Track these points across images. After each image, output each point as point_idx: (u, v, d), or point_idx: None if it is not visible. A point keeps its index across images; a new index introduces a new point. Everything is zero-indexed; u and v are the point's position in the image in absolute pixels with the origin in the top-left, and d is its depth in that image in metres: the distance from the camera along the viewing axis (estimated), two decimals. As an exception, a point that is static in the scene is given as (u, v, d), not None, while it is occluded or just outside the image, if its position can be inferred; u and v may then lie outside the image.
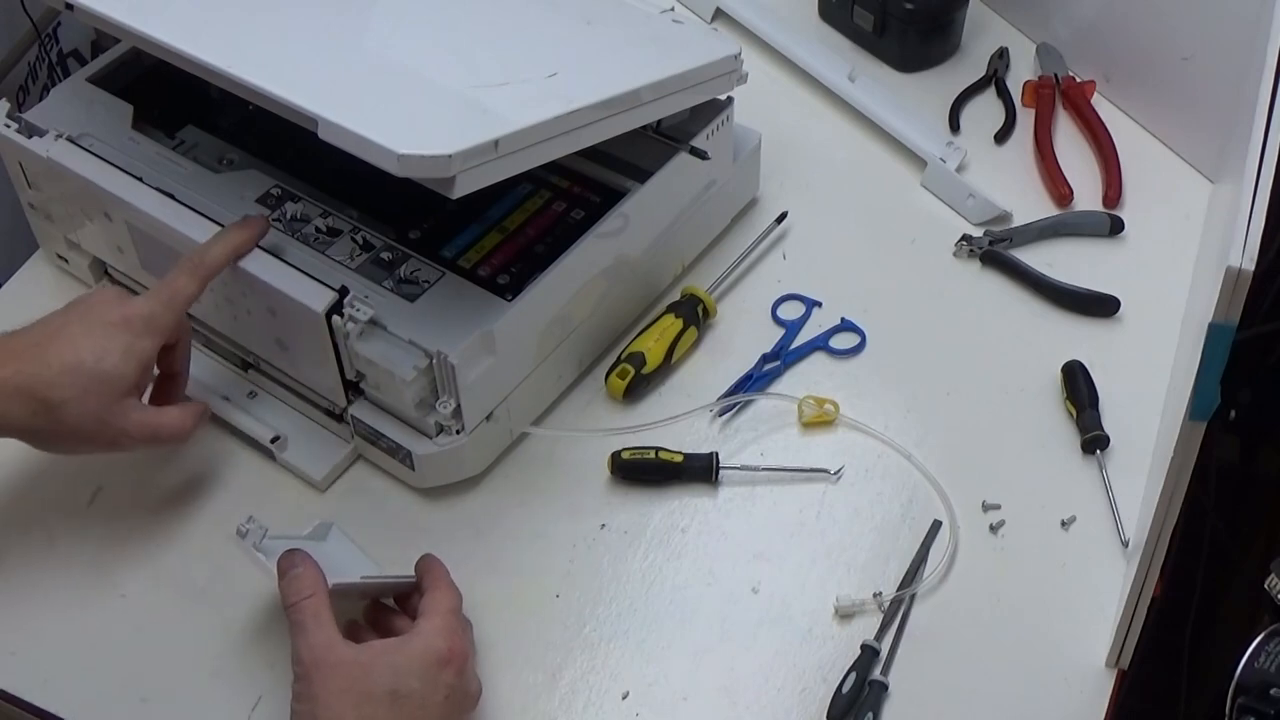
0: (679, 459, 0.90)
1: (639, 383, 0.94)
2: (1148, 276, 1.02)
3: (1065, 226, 1.05)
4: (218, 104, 0.99)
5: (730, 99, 0.97)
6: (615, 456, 0.90)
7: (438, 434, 0.86)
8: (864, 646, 0.82)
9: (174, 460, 0.92)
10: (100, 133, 0.95)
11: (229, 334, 0.92)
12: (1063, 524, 0.88)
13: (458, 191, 0.74)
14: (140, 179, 0.91)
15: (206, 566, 0.86)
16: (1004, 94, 1.17)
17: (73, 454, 0.82)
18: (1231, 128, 0.93)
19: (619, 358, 0.95)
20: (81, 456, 0.90)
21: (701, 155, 0.96)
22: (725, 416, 0.94)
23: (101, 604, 0.85)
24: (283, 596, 0.74)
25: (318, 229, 0.91)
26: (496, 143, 0.75)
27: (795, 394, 0.94)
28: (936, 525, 0.88)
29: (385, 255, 0.89)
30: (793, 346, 0.98)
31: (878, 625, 0.83)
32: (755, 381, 0.96)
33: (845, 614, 0.84)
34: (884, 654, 0.82)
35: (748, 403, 0.95)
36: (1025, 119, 1.14)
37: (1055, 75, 1.16)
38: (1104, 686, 0.80)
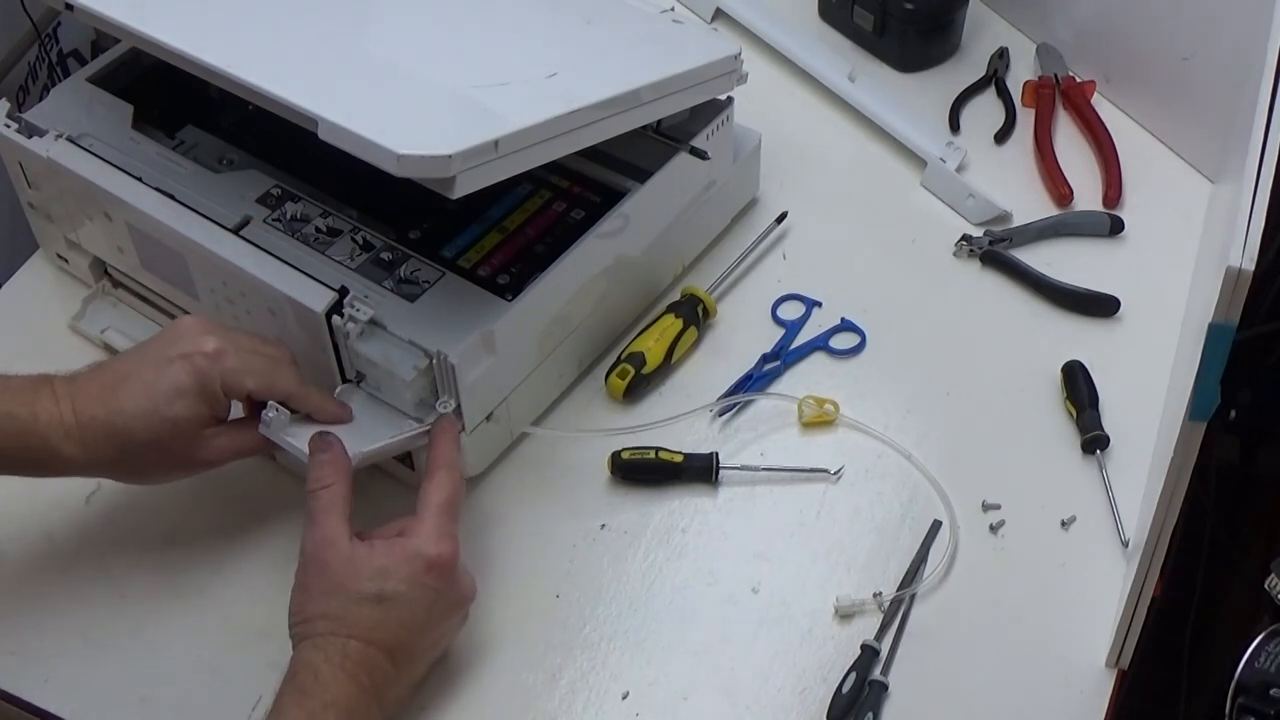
0: (679, 459, 0.90)
1: (639, 383, 0.94)
2: (1148, 276, 1.02)
3: (1065, 226, 1.05)
4: (218, 104, 0.99)
5: (730, 99, 0.97)
6: (615, 456, 0.90)
7: (438, 434, 0.86)
8: (864, 646, 0.82)
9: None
10: (100, 133, 0.95)
11: (229, 334, 0.92)
12: (1063, 524, 0.88)
13: (458, 191, 0.74)
14: (140, 179, 0.90)
15: (207, 566, 0.86)
16: (1004, 94, 1.17)
17: (163, 483, 0.83)
18: (1231, 128, 0.93)
19: (619, 358, 0.95)
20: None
21: (701, 155, 0.96)
22: (725, 416, 0.94)
23: (101, 604, 0.85)
24: (307, 479, 0.77)
25: (318, 229, 0.91)
26: (496, 143, 0.75)
27: (795, 394, 0.94)
28: (936, 525, 0.88)
29: (385, 255, 0.89)
30: (793, 346, 0.98)
31: (878, 625, 0.83)
32: (755, 381, 0.96)
33: (845, 614, 0.84)
34: (884, 654, 0.82)
35: (748, 403, 0.95)
36: (1025, 119, 1.14)
37: (1055, 75, 1.16)
38: (1104, 686, 0.80)
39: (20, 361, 0.81)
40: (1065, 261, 1.03)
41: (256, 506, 0.89)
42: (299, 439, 0.79)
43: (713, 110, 0.97)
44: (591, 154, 0.93)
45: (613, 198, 0.92)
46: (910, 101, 1.15)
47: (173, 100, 0.99)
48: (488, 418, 0.87)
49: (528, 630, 0.83)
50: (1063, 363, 0.95)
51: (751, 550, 0.87)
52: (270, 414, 0.79)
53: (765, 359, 0.97)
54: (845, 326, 0.99)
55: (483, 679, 0.81)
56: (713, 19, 1.24)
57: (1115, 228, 1.05)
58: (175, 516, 0.89)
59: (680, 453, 0.90)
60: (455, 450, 0.81)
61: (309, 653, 0.72)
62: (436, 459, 0.80)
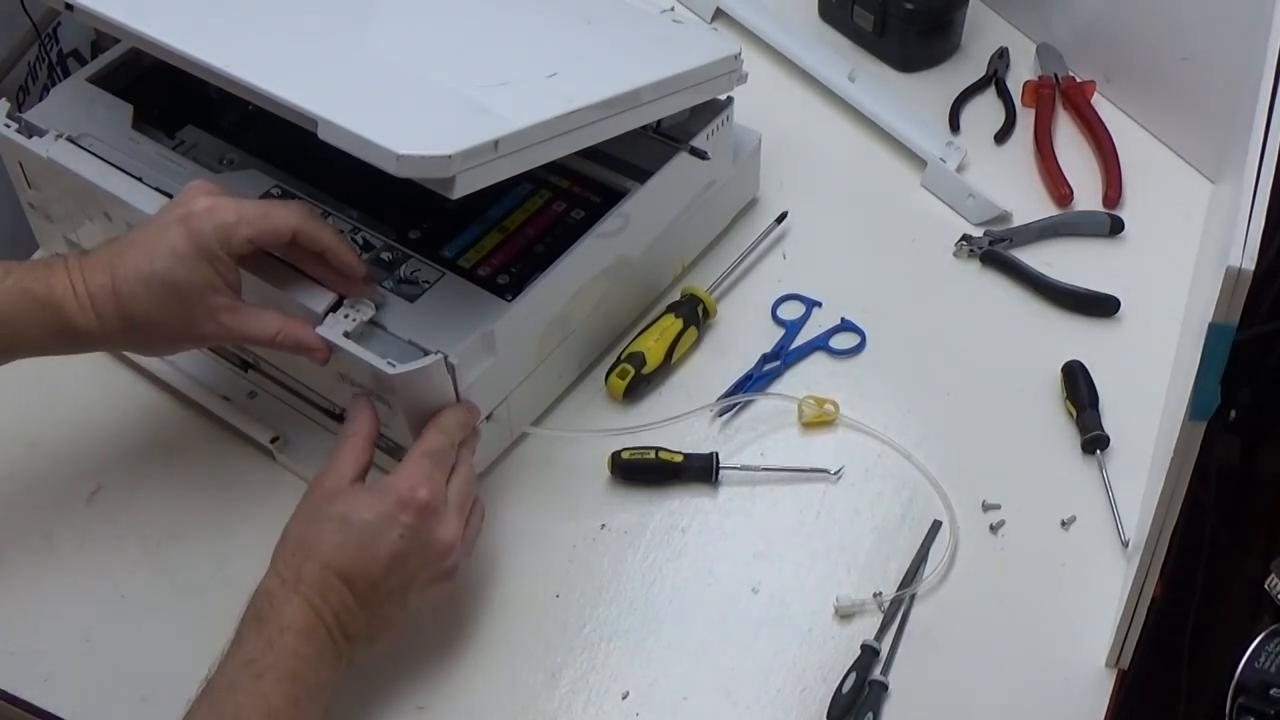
0: (679, 459, 0.90)
1: (639, 383, 0.94)
2: (1148, 276, 1.02)
3: (1065, 226, 1.05)
4: (218, 104, 0.99)
5: (730, 99, 0.97)
6: (615, 456, 0.90)
7: (438, 434, 0.86)
8: (864, 646, 0.82)
9: (174, 460, 0.92)
10: (100, 133, 0.95)
11: (229, 334, 0.92)
12: (1063, 524, 0.88)
13: (458, 192, 0.74)
14: (140, 179, 0.90)
15: (206, 566, 0.86)
16: (1004, 94, 1.17)
17: (172, 354, 0.87)
18: (1231, 128, 0.93)
19: (619, 358, 0.95)
20: (81, 454, 0.91)
21: (701, 155, 0.96)
22: (725, 416, 0.94)
23: (101, 604, 0.85)
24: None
25: (318, 229, 0.91)
26: (496, 143, 0.75)
27: (795, 394, 0.94)
28: (936, 525, 0.88)
29: (385, 255, 0.89)
30: (793, 346, 0.98)
31: (878, 625, 0.83)
32: (755, 381, 0.96)
33: (845, 614, 0.84)
34: (884, 654, 0.82)
35: (748, 403, 0.95)
36: (1025, 119, 1.14)
37: (1055, 75, 1.16)
38: (1104, 686, 0.80)
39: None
40: (1065, 261, 1.03)
41: (256, 506, 0.89)
42: (367, 344, 0.80)
43: (713, 110, 0.97)
44: (591, 154, 0.93)
45: (613, 198, 0.92)
46: (910, 101, 1.15)
47: (173, 100, 0.99)
48: (488, 418, 0.87)
49: (528, 630, 0.83)
50: (1063, 363, 0.95)
51: (751, 550, 0.87)
52: (352, 311, 0.81)
53: (765, 359, 0.97)
54: (845, 326, 0.99)
55: (483, 679, 0.81)
56: (713, 19, 1.24)
57: (1115, 228, 1.05)
58: (175, 516, 0.89)
59: (680, 453, 0.90)
60: (454, 419, 0.81)
61: (269, 579, 0.73)
62: (434, 419, 0.81)
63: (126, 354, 0.95)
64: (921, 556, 0.86)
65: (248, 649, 0.71)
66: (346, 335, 0.81)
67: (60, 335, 0.78)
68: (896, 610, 0.83)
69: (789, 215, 1.05)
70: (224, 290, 0.79)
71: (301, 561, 0.73)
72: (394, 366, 0.79)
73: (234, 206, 0.78)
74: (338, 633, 0.73)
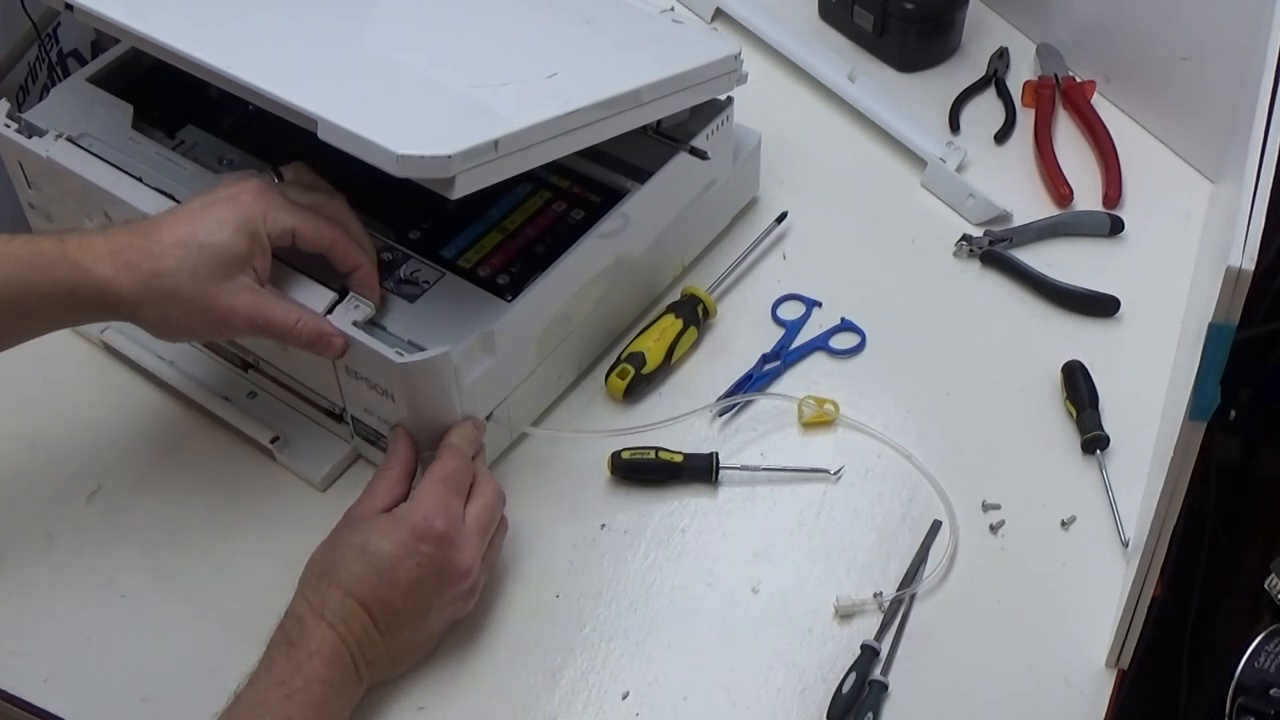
0: (679, 459, 0.90)
1: (639, 383, 0.94)
2: (1148, 276, 1.02)
3: (1065, 226, 1.05)
4: (217, 104, 0.99)
5: (730, 99, 0.97)
6: (615, 456, 0.90)
7: (438, 434, 0.86)
8: (864, 646, 0.82)
9: (174, 460, 0.92)
10: (100, 133, 0.95)
11: (229, 334, 0.92)
12: (1063, 524, 0.88)
13: (457, 192, 0.74)
14: (140, 179, 0.90)
15: (206, 566, 0.86)
16: (1004, 94, 1.17)
17: (183, 337, 0.85)
18: (1231, 128, 0.93)
19: (619, 358, 0.95)
20: (81, 454, 0.91)
21: (701, 155, 0.96)
22: (725, 416, 0.94)
23: (101, 604, 0.85)
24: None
25: (318, 229, 0.91)
26: (496, 143, 0.75)
27: (795, 394, 0.94)
28: (936, 525, 0.88)
29: (385, 255, 0.89)
30: (793, 346, 0.98)
31: (878, 625, 0.83)
32: (755, 381, 0.96)
33: (845, 614, 0.84)
34: (884, 654, 0.82)
35: (748, 403, 0.95)
36: (1025, 119, 1.14)
37: (1055, 75, 1.16)
38: (1104, 686, 0.80)
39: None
40: (1065, 261, 1.03)
41: (256, 506, 0.89)
42: (378, 339, 0.81)
43: (713, 110, 0.97)
44: (591, 154, 0.93)
45: (613, 198, 0.92)
46: (910, 101, 1.15)
47: (173, 100, 0.99)
48: (488, 418, 0.87)
49: (528, 630, 0.83)
50: (1063, 363, 0.95)
51: (751, 550, 0.87)
52: (356, 303, 0.81)
53: (765, 359, 0.97)
54: (845, 326, 0.99)
55: (483, 679, 0.81)
56: (713, 19, 1.24)
57: (1115, 228, 1.05)
58: (175, 516, 0.89)
59: (680, 453, 0.90)
60: (465, 435, 0.82)
61: (297, 603, 0.76)
62: (445, 439, 0.82)
63: (126, 353, 0.95)
64: (921, 556, 0.86)
65: (278, 670, 0.73)
66: (355, 324, 0.81)
67: (75, 290, 0.75)
68: (896, 610, 0.83)
69: (789, 215, 1.05)
70: (253, 271, 0.79)
71: (326, 589, 0.75)
72: (401, 356, 0.79)
73: (284, 198, 0.81)
74: (360, 659, 0.75)
